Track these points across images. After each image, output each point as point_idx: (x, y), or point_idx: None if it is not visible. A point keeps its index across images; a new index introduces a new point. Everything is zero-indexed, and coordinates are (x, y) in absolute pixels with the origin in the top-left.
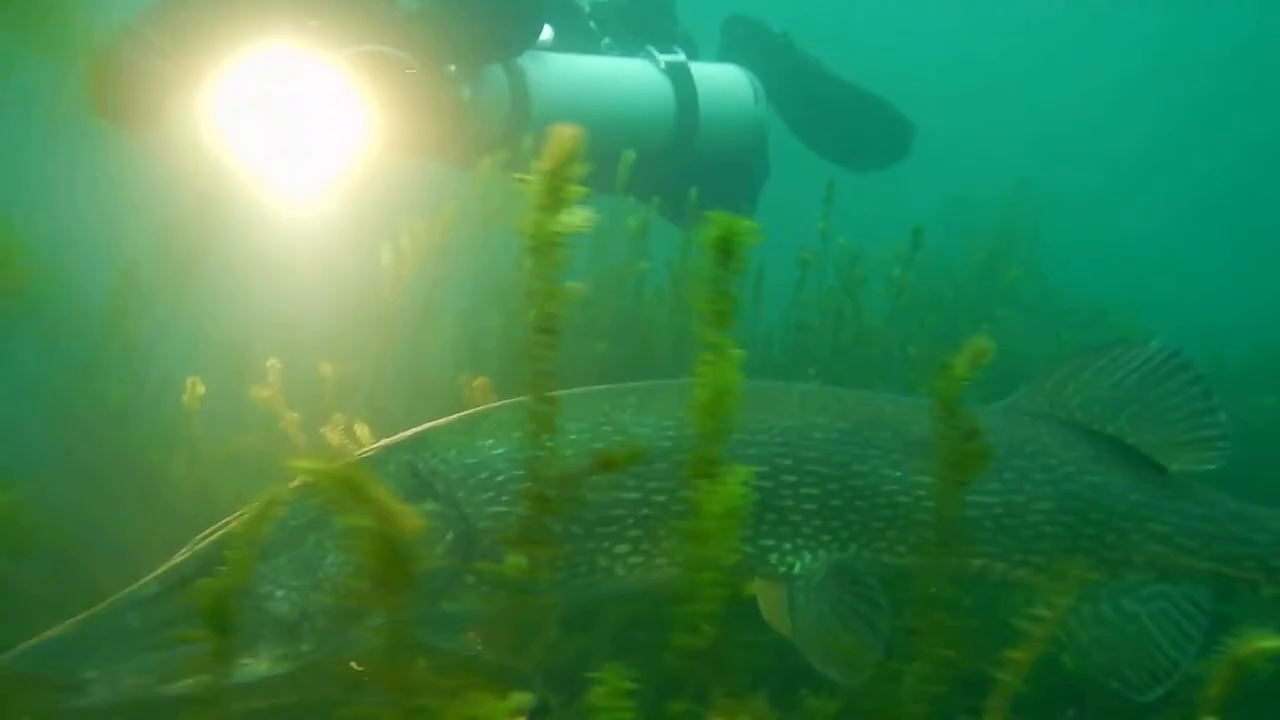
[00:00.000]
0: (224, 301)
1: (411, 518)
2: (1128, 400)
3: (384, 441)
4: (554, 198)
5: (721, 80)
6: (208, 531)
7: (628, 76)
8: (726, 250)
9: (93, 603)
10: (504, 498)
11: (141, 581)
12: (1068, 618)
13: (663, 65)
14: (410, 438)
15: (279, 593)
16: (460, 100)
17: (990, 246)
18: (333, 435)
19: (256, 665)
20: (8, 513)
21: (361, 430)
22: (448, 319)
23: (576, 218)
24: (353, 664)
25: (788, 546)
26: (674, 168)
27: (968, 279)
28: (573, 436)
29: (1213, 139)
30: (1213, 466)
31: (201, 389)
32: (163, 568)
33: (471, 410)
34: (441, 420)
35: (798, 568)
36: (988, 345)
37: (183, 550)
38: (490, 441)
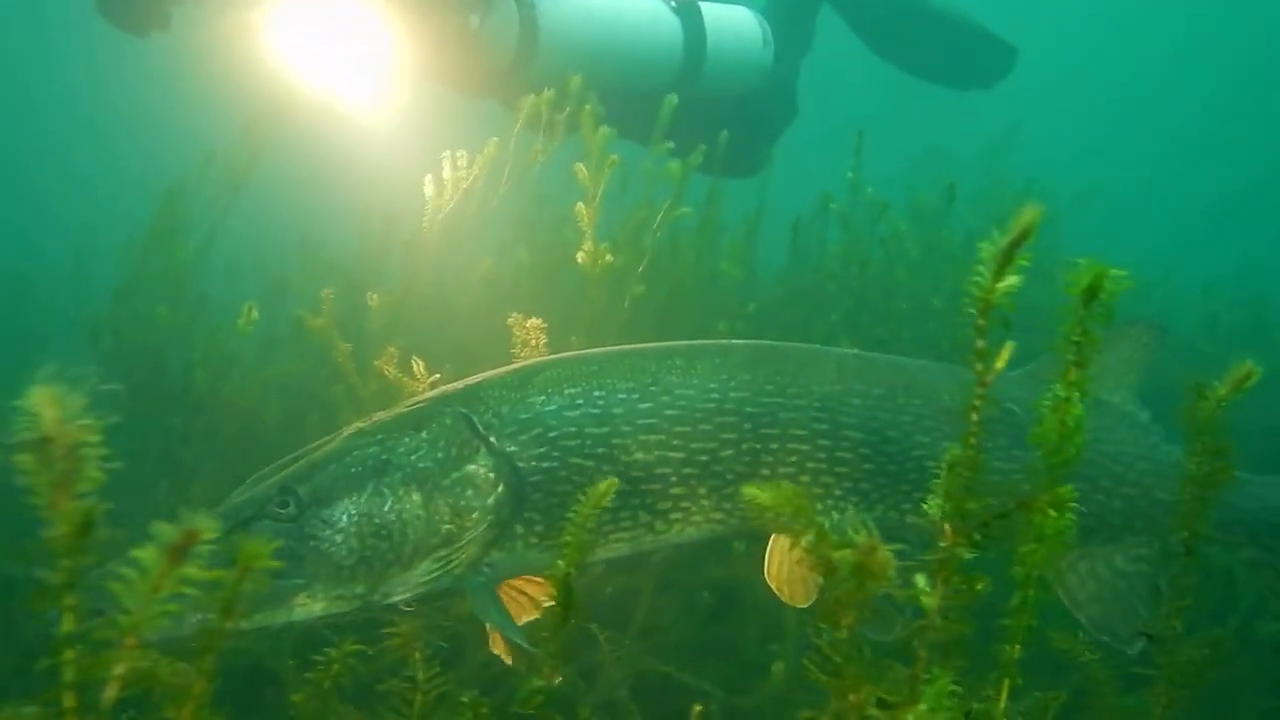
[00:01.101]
0: (261, 223)
1: (884, 552)
2: (1130, 372)
3: (437, 390)
4: (1006, 264)
5: (731, 22)
6: (266, 470)
7: (637, 13)
8: (1093, 294)
9: (151, 515)
10: (555, 453)
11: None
12: (1067, 575)
13: (673, 4)
14: (464, 390)
15: (338, 537)
16: (468, 29)
17: (1009, 197)
18: (387, 368)
19: (313, 605)
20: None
21: (417, 365)
22: (481, 252)
23: (1014, 280)
24: (401, 605)
25: (819, 507)
26: (682, 108)
27: (980, 230)
28: (622, 395)
29: (1204, 86)
30: None
31: (256, 314)
32: (221, 507)
33: (522, 363)
34: (494, 372)
35: (826, 526)
36: (1253, 370)
37: (241, 488)
38: (542, 398)
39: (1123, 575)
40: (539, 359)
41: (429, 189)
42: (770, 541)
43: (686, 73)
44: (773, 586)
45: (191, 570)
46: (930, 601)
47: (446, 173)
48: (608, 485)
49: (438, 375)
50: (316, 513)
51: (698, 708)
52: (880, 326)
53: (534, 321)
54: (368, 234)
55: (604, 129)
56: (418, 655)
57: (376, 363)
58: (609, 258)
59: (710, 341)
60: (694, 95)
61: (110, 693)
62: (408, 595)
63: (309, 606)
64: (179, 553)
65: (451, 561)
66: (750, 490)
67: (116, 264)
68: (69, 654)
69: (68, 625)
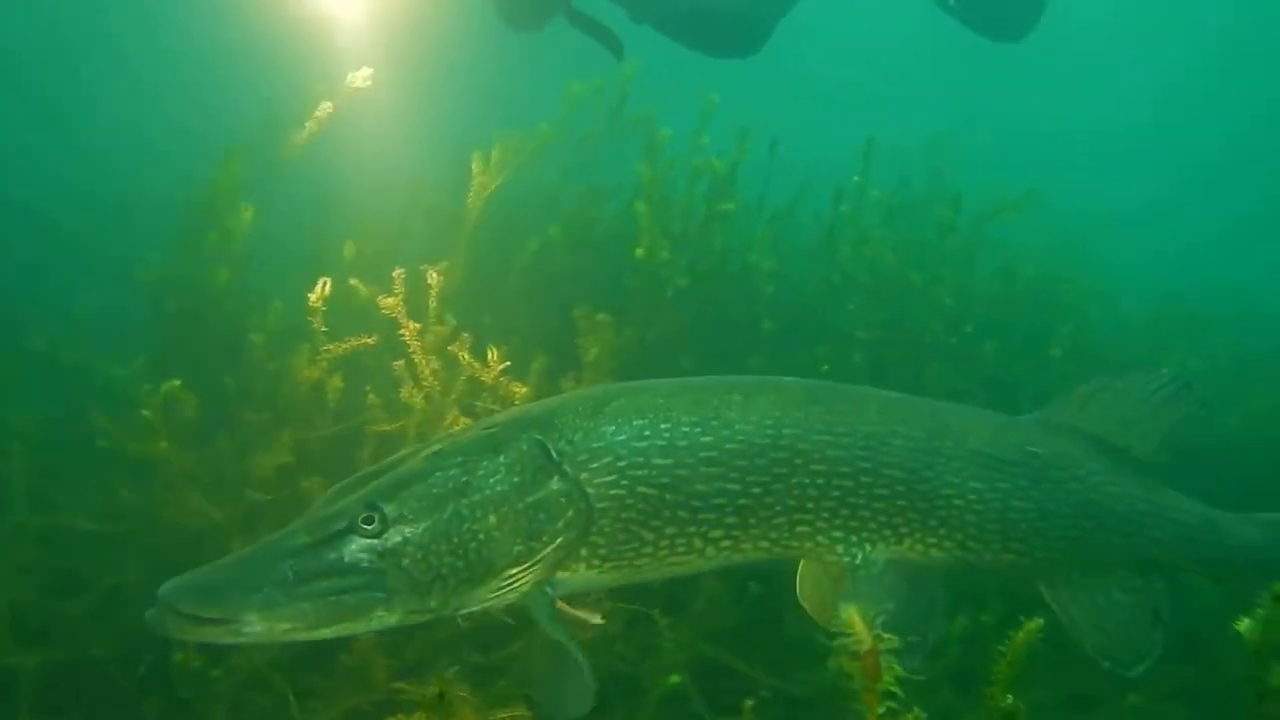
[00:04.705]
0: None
1: None
2: (1139, 419)
3: (512, 413)
4: None
5: None
6: (349, 482)
7: None
8: None
9: (223, 478)
10: (623, 482)
11: (290, 529)
12: (1069, 606)
13: None
14: (539, 414)
15: (418, 554)
16: None
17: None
18: (461, 352)
19: (389, 617)
20: (175, 399)
21: (492, 353)
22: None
23: None
24: (460, 620)
25: (854, 539)
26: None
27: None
28: (685, 428)
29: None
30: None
31: (329, 289)
32: (308, 517)
33: (592, 390)
34: (566, 397)
35: (859, 558)
36: None
37: (326, 497)
38: (613, 428)
39: (1120, 606)
40: (607, 386)
41: (476, 167)
42: (800, 565)
43: None
44: (806, 607)
45: None
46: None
47: (495, 154)
48: None
49: (508, 363)
50: (400, 530)
51: (749, 702)
52: (896, 328)
53: (602, 316)
54: (391, 201)
55: (666, 130)
56: None
57: (451, 348)
58: (665, 254)
59: (766, 378)
60: None
61: None
62: (475, 609)
63: (386, 618)
64: None
65: (520, 580)
66: None
67: (171, 222)
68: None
69: None
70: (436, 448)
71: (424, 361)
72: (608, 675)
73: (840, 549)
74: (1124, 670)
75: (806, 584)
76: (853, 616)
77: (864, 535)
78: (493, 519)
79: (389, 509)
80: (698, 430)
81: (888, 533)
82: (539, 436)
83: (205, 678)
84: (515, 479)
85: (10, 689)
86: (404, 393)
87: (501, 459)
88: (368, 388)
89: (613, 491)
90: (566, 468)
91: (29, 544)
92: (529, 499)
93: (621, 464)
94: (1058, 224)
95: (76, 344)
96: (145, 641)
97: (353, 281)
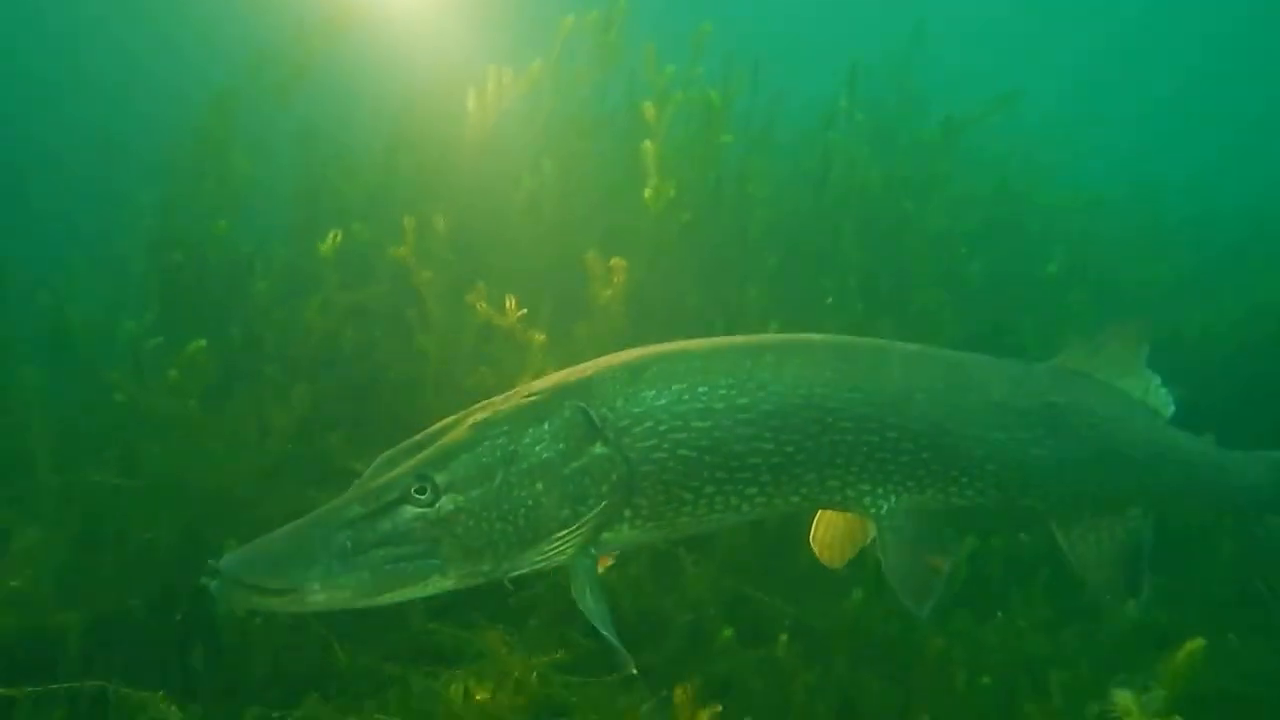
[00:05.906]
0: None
1: None
2: (1138, 359)
3: (553, 381)
4: None
5: None
6: (394, 453)
7: None
8: None
9: (243, 432)
10: (665, 445)
11: (343, 500)
12: (1078, 545)
13: None
14: (579, 383)
15: (471, 522)
16: None
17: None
18: (478, 302)
19: (444, 582)
20: (197, 362)
21: (510, 302)
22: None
23: None
24: (507, 583)
25: (880, 491)
26: None
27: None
28: (722, 391)
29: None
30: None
31: (340, 239)
32: (360, 489)
33: (628, 355)
34: (604, 363)
35: (884, 508)
36: None
37: (373, 468)
38: (653, 393)
39: (1122, 545)
40: (641, 351)
41: (470, 103)
42: (817, 514)
43: None
44: (815, 549)
45: None
46: None
47: (490, 87)
48: None
49: (524, 311)
50: (452, 498)
51: (784, 637)
52: (888, 251)
53: (617, 261)
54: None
55: (670, 67)
56: None
57: (467, 298)
58: (672, 193)
59: (794, 337)
60: None
61: None
62: (524, 571)
63: (441, 583)
64: None
65: (567, 542)
66: None
67: (161, 175)
68: None
69: None
70: (480, 417)
71: (436, 308)
72: (635, 613)
73: (867, 500)
74: (1119, 601)
75: (820, 528)
76: (1126, 702)
77: (889, 487)
78: (540, 485)
79: (440, 478)
80: (734, 393)
81: (910, 483)
82: (581, 404)
83: (247, 625)
84: (560, 446)
85: (54, 642)
86: (419, 340)
87: (546, 427)
88: (376, 332)
89: (654, 455)
90: (609, 433)
91: (54, 500)
92: (574, 465)
93: (662, 428)
94: (1021, 136)
95: (80, 295)
96: (180, 592)
97: (356, 226)
